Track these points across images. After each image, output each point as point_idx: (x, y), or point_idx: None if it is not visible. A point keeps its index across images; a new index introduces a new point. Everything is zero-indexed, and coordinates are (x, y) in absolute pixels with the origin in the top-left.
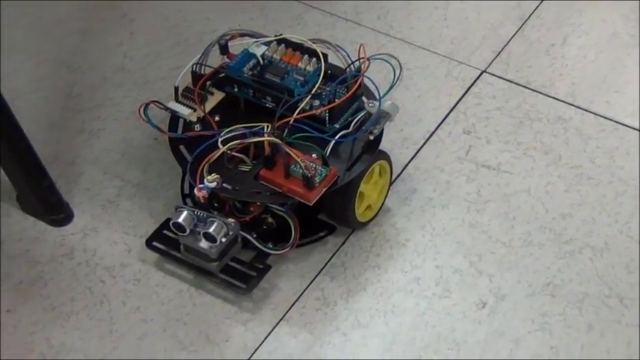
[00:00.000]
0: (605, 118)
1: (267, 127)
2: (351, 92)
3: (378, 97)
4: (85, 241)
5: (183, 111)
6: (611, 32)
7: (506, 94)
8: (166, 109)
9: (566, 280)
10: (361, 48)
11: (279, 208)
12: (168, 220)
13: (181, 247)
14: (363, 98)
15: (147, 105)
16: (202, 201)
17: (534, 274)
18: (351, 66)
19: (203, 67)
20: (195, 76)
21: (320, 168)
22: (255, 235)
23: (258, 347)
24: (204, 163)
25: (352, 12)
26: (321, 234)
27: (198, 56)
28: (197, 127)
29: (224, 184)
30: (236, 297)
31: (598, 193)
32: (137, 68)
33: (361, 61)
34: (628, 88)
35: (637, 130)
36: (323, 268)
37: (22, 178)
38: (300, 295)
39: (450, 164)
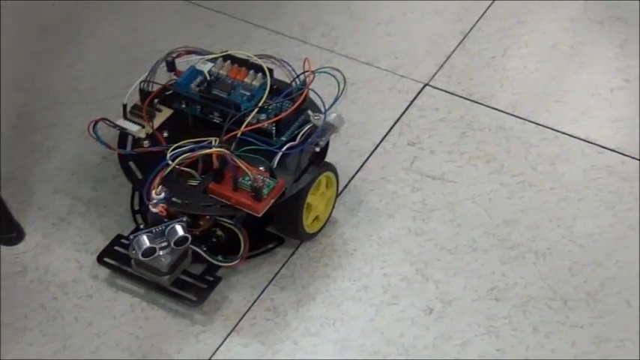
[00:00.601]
0: (546, 126)
1: (215, 140)
2: (296, 104)
3: (323, 110)
4: (38, 259)
5: (132, 128)
6: (551, 44)
7: (449, 106)
8: (115, 126)
9: (511, 284)
10: (306, 62)
11: (229, 220)
12: (119, 236)
13: (132, 262)
14: (309, 111)
15: (96, 123)
16: (165, 214)
17: (480, 279)
18: (296, 79)
19: (151, 84)
20: (143, 94)
21: (268, 180)
22: (204, 248)
23: (210, 358)
24: (155, 177)
25: (297, 30)
26: (270, 246)
27: (146, 74)
28: (146, 143)
29: (173, 199)
30: (188, 310)
31: (540, 200)
32: (87, 88)
33: (306, 74)
34: (568, 97)
35: (577, 138)
36: (273, 278)
37: None
38: (251, 306)
39: (395, 175)
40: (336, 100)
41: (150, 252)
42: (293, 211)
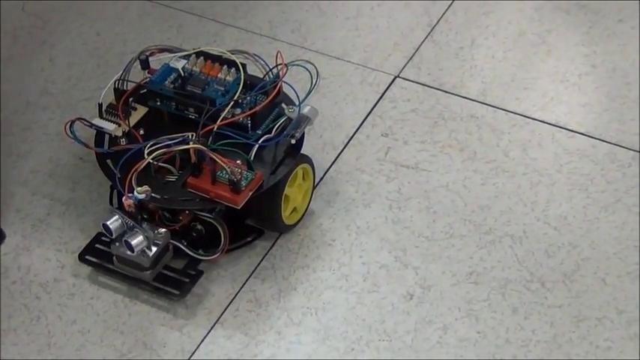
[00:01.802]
0: (516, 113)
1: (192, 136)
2: (270, 97)
3: (297, 102)
4: (19, 260)
5: (108, 126)
6: (518, 32)
7: (420, 97)
8: (91, 125)
9: (489, 268)
10: (278, 55)
11: (208, 215)
12: (99, 234)
13: (114, 258)
14: (283, 105)
15: (72, 122)
16: (128, 209)
17: (458, 264)
18: (270, 73)
19: (125, 82)
20: (118, 93)
21: (245, 172)
22: (185, 243)
23: (195, 350)
24: (132, 172)
25: (267, 27)
26: (249, 238)
27: (120, 73)
28: (122, 141)
29: (152, 194)
30: (170, 304)
31: (514, 185)
32: (60, 91)
33: (279, 67)
34: (536, 84)
35: (547, 123)
36: (254, 271)
37: None
38: (233, 299)
39: (370, 165)
40: (309, 92)
41: (106, 229)
42: (271, 204)
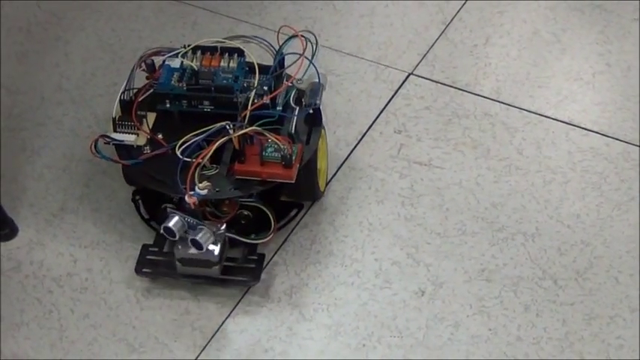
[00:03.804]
0: (530, 111)
1: (230, 125)
2: (296, 72)
3: (305, 71)
4: (32, 254)
5: (129, 138)
6: (532, 31)
7: (434, 94)
8: (112, 141)
9: (501, 265)
10: (281, 30)
11: (250, 199)
12: (145, 245)
13: (177, 262)
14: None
15: (96, 141)
16: (193, 207)
17: (470, 261)
18: (279, 50)
19: (131, 92)
20: (125, 103)
21: (292, 147)
22: (234, 232)
23: (205, 345)
24: (193, 168)
25: (281, 24)
26: (292, 213)
27: (125, 83)
28: (147, 149)
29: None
30: (182, 299)
31: (527, 182)
32: (74, 87)
33: (290, 42)
34: (551, 82)
35: (561, 121)
36: (265, 266)
37: None
38: (245, 294)
39: (383, 162)
40: (312, 58)
41: (168, 232)
42: (309, 173)
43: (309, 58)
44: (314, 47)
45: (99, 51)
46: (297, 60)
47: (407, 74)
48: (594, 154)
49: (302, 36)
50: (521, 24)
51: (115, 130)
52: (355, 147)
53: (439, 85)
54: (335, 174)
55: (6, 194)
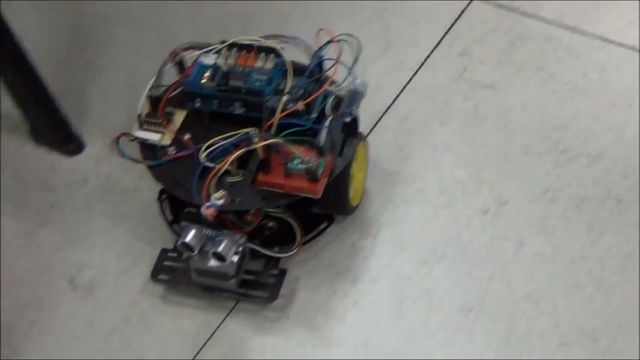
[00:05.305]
0: (594, 36)
1: (255, 131)
2: (330, 79)
3: (345, 78)
4: (98, 168)
5: (153, 137)
6: None
7: (497, 18)
8: (135, 139)
9: (565, 186)
10: (320, 33)
11: (277, 210)
12: (164, 250)
13: (192, 272)
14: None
15: (118, 139)
16: (211, 219)
17: (534, 181)
18: (318, 52)
19: (159, 88)
20: (154, 100)
21: (320, 159)
22: (257, 243)
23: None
24: (209, 179)
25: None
26: (322, 226)
27: (153, 79)
28: (171, 150)
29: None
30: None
31: (591, 106)
32: (137, 7)
33: (329, 46)
34: (615, 6)
35: (625, 46)
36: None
37: (35, 109)
38: None
39: (446, 84)
40: (353, 65)
41: (186, 247)
42: (340, 187)
43: (350, 63)
44: (356, 52)
45: None
46: (333, 65)
47: None
48: None
49: (338, 40)
50: None
51: (140, 128)
52: (419, 69)
53: (503, 8)
54: (398, 96)
55: (72, 110)
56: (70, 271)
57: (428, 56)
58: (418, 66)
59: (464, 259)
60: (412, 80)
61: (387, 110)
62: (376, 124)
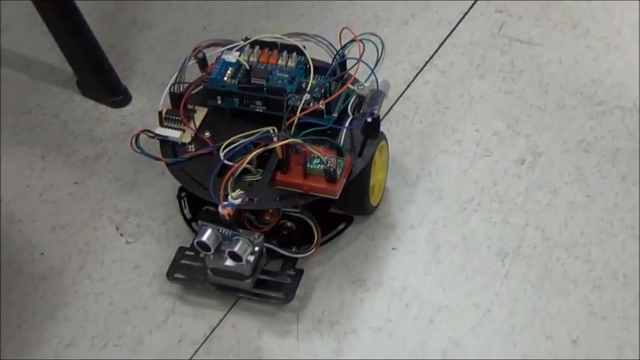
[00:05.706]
0: None
1: (274, 130)
2: (352, 78)
3: (363, 79)
4: (145, 120)
5: (173, 134)
6: None
7: None
8: (155, 136)
9: (599, 137)
10: (344, 31)
11: (295, 210)
12: (181, 248)
13: (208, 271)
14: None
15: (137, 136)
16: (228, 218)
17: (569, 133)
18: (340, 51)
19: (181, 85)
20: (175, 96)
21: (339, 160)
22: (275, 243)
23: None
24: (227, 178)
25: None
26: (341, 227)
27: (175, 75)
28: (191, 147)
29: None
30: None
31: (625, 61)
32: None
33: (351, 45)
34: None
35: None
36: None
37: (83, 62)
38: None
39: (484, 40)
40: (376, 65)
41: (202, 246)
42: (359, 188)
43: (374, 62)
44: (379, 52)
45: None
46: (355, 65)
47: None
48: None
49: (360, 40)
50: None
51: (160, 124)
52: (457, 25)
53: None
54: (437, 51)
55: (118, 64)
56: (116, 218)
57: (466, 12)
58: (457, 22)
59: (500, 207)
60: (451, 35)
61: (425, 65)
62: (415, 77)
